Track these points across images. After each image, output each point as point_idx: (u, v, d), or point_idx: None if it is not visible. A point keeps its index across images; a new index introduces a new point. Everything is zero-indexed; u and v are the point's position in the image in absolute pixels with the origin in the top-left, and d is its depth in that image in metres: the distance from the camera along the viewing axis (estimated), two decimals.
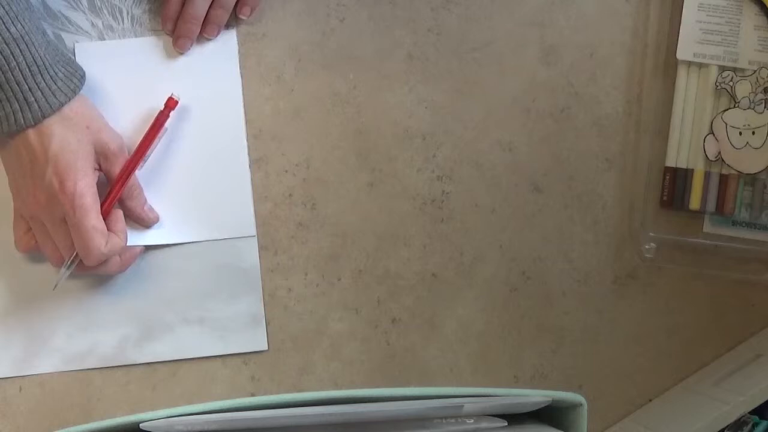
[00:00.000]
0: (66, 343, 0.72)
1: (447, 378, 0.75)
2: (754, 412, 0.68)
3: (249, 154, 0.74)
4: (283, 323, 0.74)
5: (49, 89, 0.66)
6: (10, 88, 0.64)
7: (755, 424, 0.67)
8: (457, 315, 0.76)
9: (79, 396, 0.72)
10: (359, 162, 0.75)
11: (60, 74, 0.67)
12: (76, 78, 0.68)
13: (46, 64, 0.65)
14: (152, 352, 0.73)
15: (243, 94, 0.74)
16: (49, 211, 0.67)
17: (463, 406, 0.54)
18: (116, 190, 0.70)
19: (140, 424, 0.52)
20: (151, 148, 0.72)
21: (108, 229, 0.68)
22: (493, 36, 0.77)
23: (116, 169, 0.70)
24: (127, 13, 0.74)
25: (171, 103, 0.71)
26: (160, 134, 0.72)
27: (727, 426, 0.67)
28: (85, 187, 0.66)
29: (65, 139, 0.66)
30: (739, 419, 0.68)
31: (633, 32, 0.77)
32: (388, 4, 0.76)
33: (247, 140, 0.74)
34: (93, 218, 0.66)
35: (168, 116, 0.72)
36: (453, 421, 0.55)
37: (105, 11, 0.74)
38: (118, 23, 0.74)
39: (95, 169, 0.69)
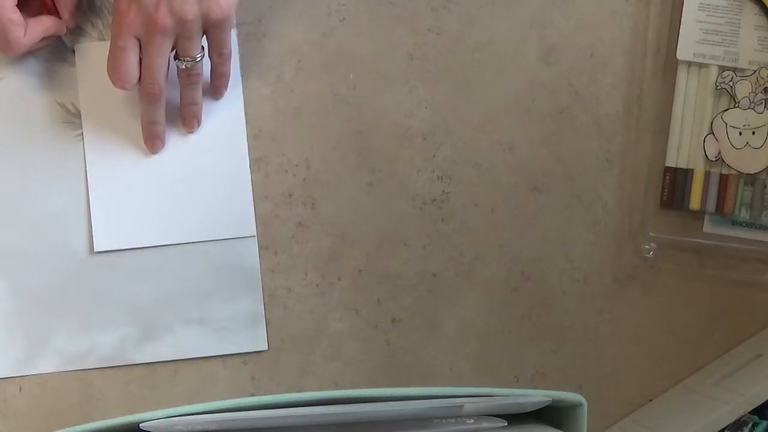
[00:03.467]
0: (66, 343, 0.72)
1: (447, 378, 0.75)
2: (754, 412, 0.68)
3: (249, 154, 0.74)
4: (283, 323, 0.74)
5: None
6: None
7: (755, 424, 0.67)
8: (457, 315, 0.76)
9: (79, 396, 0.72)
10: (359, 162, 0.75)
11: None
12: None
13: None
14: (152, 352, 0.73)
15: (243, 94, 0.74)
16: None
17: (463, 406, 0.54)
18: None
19: (140, 424, 0.52)
20: None
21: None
22: (493, 36, 0.77)
23: None
24: None
25: None
26: None
27: (727, 426, 0.67)
28: None
29: None
30: (739, 419, 0.68)
31: (633, 32, 0.77)
32: (388, 4, 0.76)
33: (247, 140, 0.74)
34: (7, 11, 0.67)
35: None
36: (453, 421, 0.55)
37: (105, 11, 0.74)
38: None
39: None
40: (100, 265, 0.73)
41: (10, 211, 0.72)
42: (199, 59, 0.70)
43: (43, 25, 0.70)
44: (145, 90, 0.70)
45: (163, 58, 0.69)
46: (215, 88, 0.74)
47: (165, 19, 0.66)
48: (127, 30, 0.67)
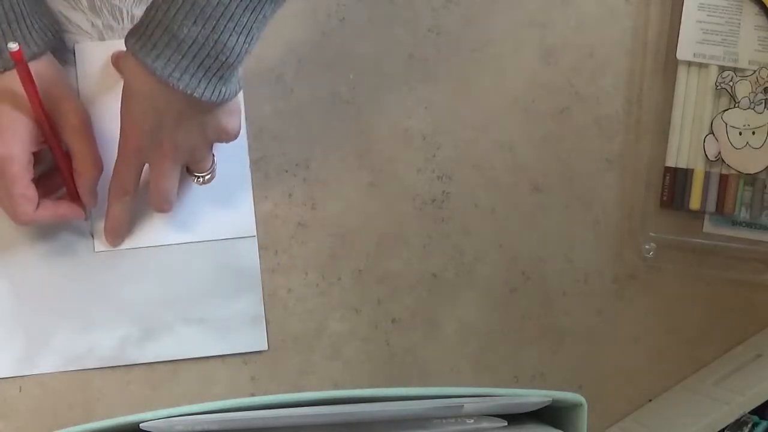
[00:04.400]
0: (66, 343, 0.72)
1: (447, 378, 0.75)
2: (754, 412, 0.68)
3: (249, 154, 0.74)
4: (283, 323, 0.74)
5: (23, 39, 0.63)
6: None
7: (755, 424, 0.67)
8: (457, 315, 0.76)
9: (79, 396, 0.72)
10: (359, 162, 0.75)
11: (36, 25, 0.64)
12: (50, 32, 0.65)
13: (24, 12, 0.63)
14: (152, 352, 0.73)
15: (243, 94, 0.74)
16: None
17: (463, 406, 0.54)
18: (60, 164, 0.68)
19: (140, 424, 0.52)
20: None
21: (45, 196, 0.67)
22: (493, 36, 0.77)
23: (74, 144, 0.67)
24: (127, 13, 0.74)
25: None
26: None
27: (727, 426, 0.67)
28: (18, 153, 0.63)
29: (17, 98, 0.64)
30: (739, 419, 0.67)
31: (633, 32, 0.77)
32: (388, 4, 0.76)
33: (247, 140, 0.74)
34: (20, 186, 0.64)
35: None
36: (453, 421, 0.55)
37: (105, 11, 0.74)
38: (118, 23, 0.74)
39: (42, 141, 0.66)
40: (101, 265, 0.73)
41: None
42: (214, 167, 0.70)
43: (57, 210, 0.68)
44: (157, 208, 0.70)
45: (172, 180, 0.68)
46: None
47: (171, 151, 0.65)
48: (133, 154, 0.66)
